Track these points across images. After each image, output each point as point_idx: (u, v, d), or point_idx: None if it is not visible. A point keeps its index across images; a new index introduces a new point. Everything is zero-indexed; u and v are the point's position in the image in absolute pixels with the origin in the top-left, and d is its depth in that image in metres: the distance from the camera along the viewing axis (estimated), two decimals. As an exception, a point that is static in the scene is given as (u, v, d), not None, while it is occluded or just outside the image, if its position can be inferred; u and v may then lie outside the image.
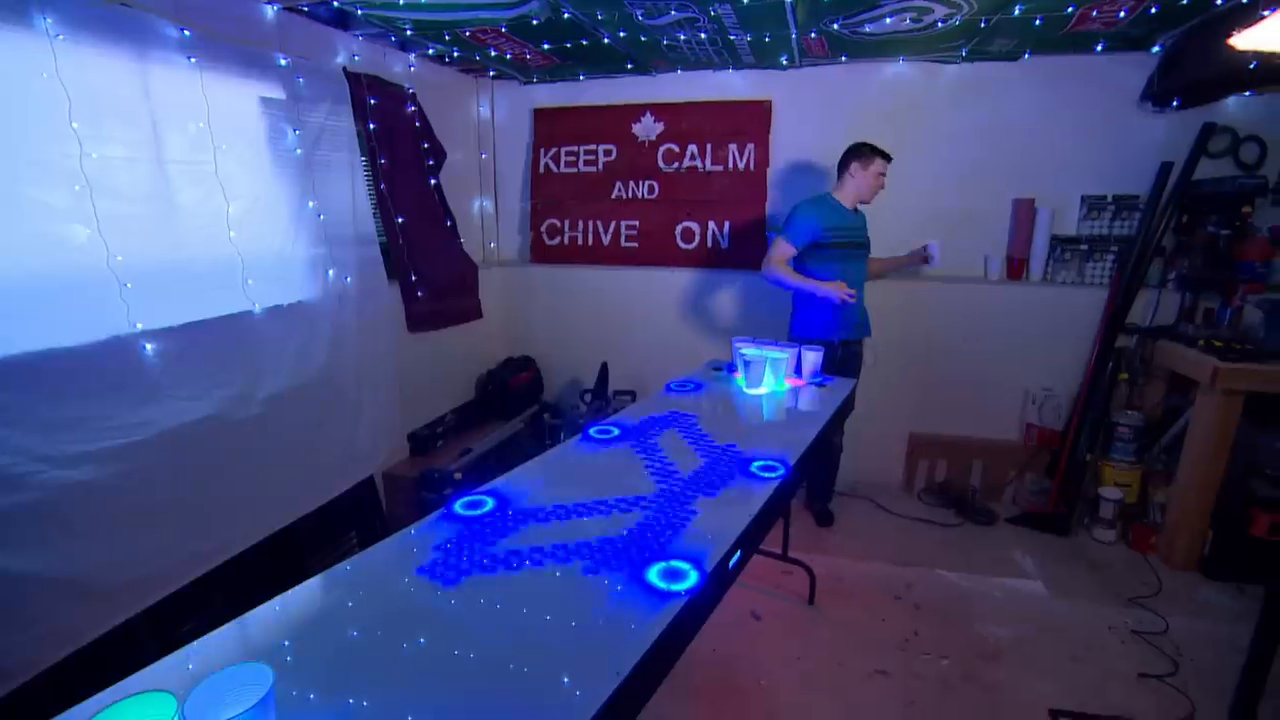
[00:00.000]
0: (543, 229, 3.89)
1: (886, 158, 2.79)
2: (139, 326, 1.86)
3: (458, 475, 2.60)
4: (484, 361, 3.73)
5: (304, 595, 1.09)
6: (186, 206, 2.01)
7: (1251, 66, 2.31)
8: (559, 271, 3.89)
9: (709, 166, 3.57)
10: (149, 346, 1.89)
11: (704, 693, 2.00)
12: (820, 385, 2.35)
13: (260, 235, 2.25)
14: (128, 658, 0.89)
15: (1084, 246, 3.13)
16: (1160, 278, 3.02)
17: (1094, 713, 1.84)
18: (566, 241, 3.86)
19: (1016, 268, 3.22)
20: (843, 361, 2.81)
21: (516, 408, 3.56)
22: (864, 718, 1.92)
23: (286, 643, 0.96)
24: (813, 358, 2.41)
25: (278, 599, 1.06)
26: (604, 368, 3.39)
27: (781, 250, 2.79)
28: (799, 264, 2.84)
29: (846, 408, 2.28)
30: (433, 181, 3.18)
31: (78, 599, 1.59)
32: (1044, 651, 2.18)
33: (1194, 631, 2.27)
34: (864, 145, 2.80)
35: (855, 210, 2.88)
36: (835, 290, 2.67)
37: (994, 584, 2.58)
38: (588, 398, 3.39)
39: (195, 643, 0.95)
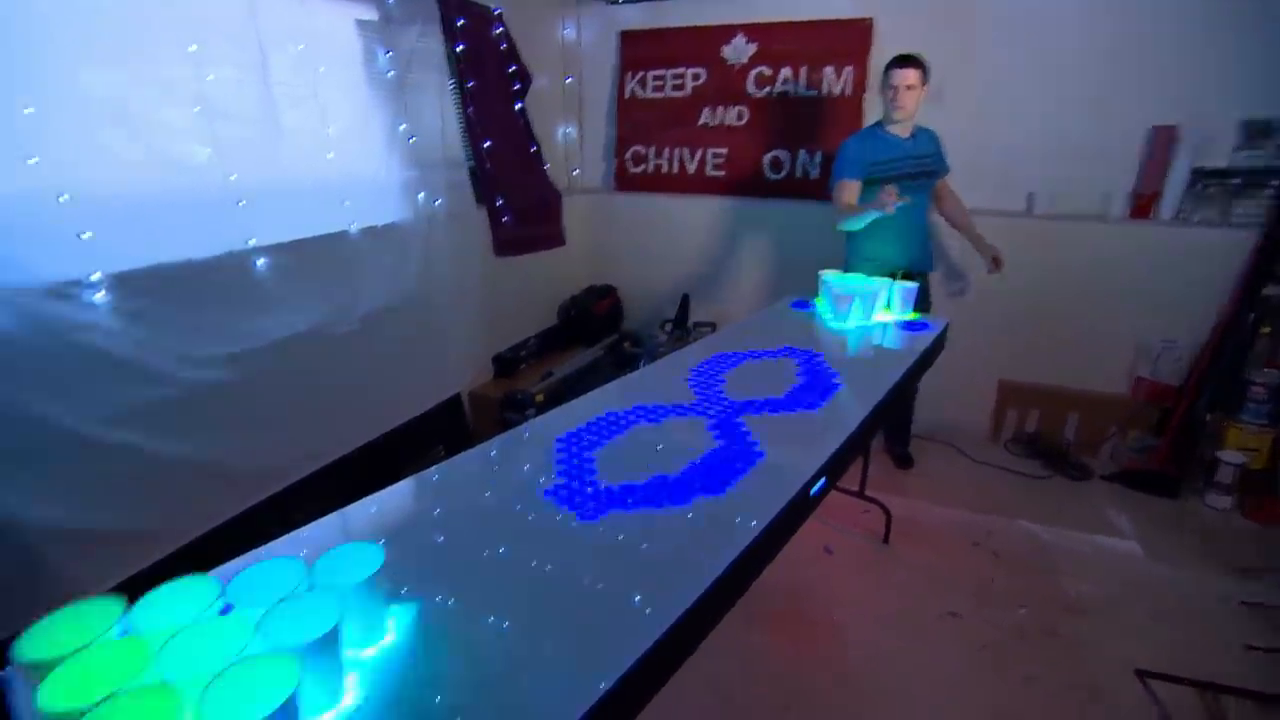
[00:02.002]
0: (627, 156, 3.83)
1: (896, 63, 2.50)
2: (251, 243, 1.98)
3: (539, 397, 2.68)
4: (566, 288, 3.79)
5: (401, 492, 1.18)
6: (291, 128, 2.09)
7: None
8: (642, 200, 3.83)
9: (802, 91, 3.37)
10: (260, 262, 2.02)
11: (774, 620, 2.04)
12: (911, 323, 2.24)
13: (356, 157, 2.32)
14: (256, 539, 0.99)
15: (1236, 181, 2.75)
16: (1325, 219, 2.65)
17: (1187, 677, 1.76)
18: (651, 169, 3.79)
19: (1144, 205, 2.90)
20: None
21: (597, 335, 3.61)
22: (934, 655, 1.91)
23: (383, 540, 1.04)
24: (905, 291, 2.30)
25: (377, 494, 1.15)
26: (685, 299, 3.37)
27: (840, 192, 2.63)
28: None
29: (937, 347, 2.18)
30: (518, 106, 3.16)
31: (214, 483, 1.78)
32: (1134, 612, 2.08)
33: (1315, 608, 2.10)
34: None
35: (913, 136, 2.61)
36: (882, 200, 2.35)
37: (1082, 540, 2.47)
38: (668, 327, 3.39)
39: (314, 523, 1.05)
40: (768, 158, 3.52)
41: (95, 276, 1.60)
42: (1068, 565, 2.31)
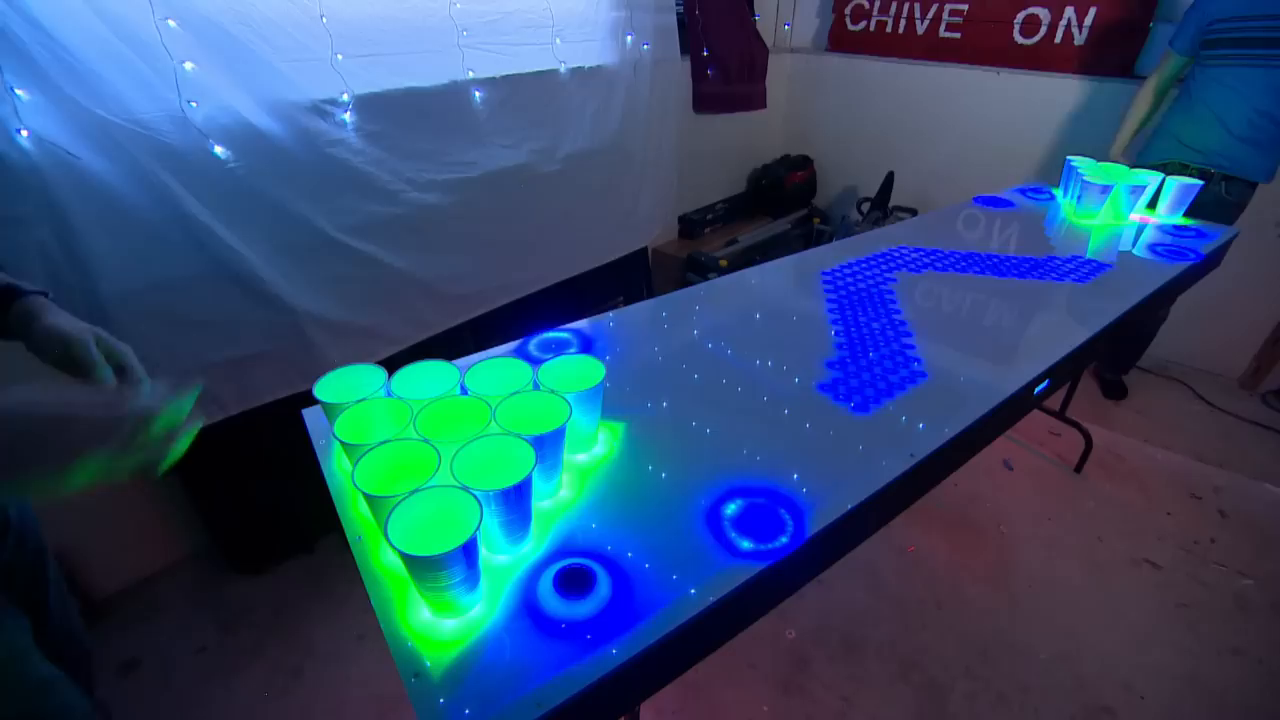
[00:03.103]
0: (847, 10, 3.38)
1: None
2: (470, 75, 2.03)
3: (723, 262, 2.63)
4: (759, 155, 3.58)
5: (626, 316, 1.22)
6: (509, -45, 2.05)
7: None
8: (857, 63, 3.41)
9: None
10: (477, 94, 2.07)
11: (938, 521, 1.97)
12: (1180, 229, 1.85)
13: (570, -9, 2.25)
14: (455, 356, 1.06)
15: None
16: None
17: None
18: (873, 27, 3.33)
19: None
20: (1197, 204, 1.94)
21: (787, 207, 3.42)
22: (1115, 599, 1.75)
23: (608, 356, 1.09)
24: (1180, 190, 1.89)
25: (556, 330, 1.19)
26: (889, 178, 3.04)
27: (1160, 65, 2.14)
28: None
29: (1206, 264, 1.77)
30: (738, -59, 2.86)
31: (428, 297, 1.98)
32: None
33: None
34: None
35: None
36: None
37: (1350, 520, 2.05)
38: (865, 207, 3.11)
39: (498, 348, 1.12)
40: (1020, 16, 2.93)
41: (345, 97, 1.74)
42: (1322, 545, 1.95)
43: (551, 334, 1.16)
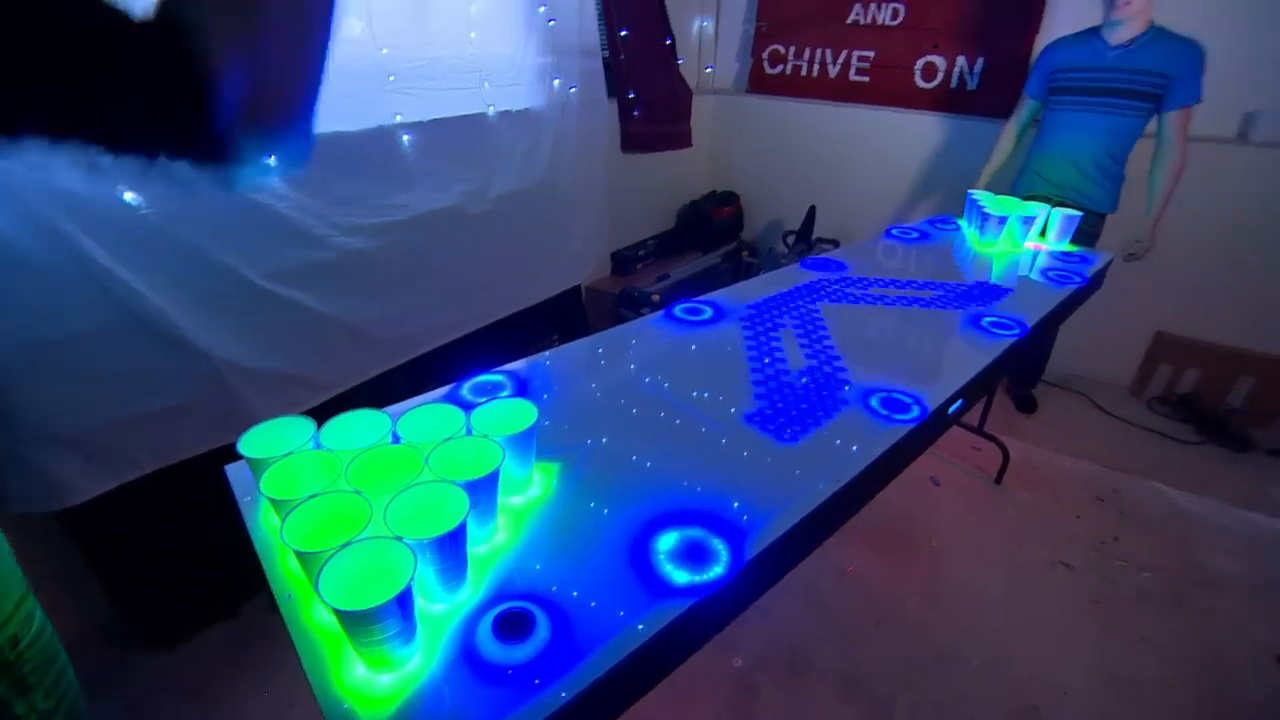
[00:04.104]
0: (765, 55, 3.58)
1: None
2: (398, 119, 2.04)
3: (655, 297, 2.69)
4: (687, 192, 3.70)
5: (561, 355, 1.24)
6: (435, 3, 2.08)
7: None
8: (776, 104, 3.61)
9: (975, -18, 2.97)
10: (405, 138, 2.07)
11: (872, 539, 2.04)
12: (1067, 254, 2.03)
13: (495, 38, 2.29)
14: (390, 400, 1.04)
15: None
16: None
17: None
18: (789, 71, 3.53)
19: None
20: None
21: (715, 242, 3.54)
22: (1037, 600, 1.86)
23: (545, 395, 1.10)
24: (1064, 221, 2.07)
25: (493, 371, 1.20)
26: (812, 211, 3.20)
27: (1017, 109, 2.47)
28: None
29: (1091, 285, 1.95)
30: (658, -8, 2.99)
31: (359, 343, 1.94)
32: (1282, 595, 1.91)
33: None
34: None
35: (1132, 44, 2.14)
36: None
37: (1229, 513, 2.25)
38: (790, 239, 3.26)
39: (430, 393, 1.11)
40: (920, 64, 3.18)
41: (266, 141, 1.71)
42: (1208, 537, 2.13)
43: (485, 377, 1.16)
